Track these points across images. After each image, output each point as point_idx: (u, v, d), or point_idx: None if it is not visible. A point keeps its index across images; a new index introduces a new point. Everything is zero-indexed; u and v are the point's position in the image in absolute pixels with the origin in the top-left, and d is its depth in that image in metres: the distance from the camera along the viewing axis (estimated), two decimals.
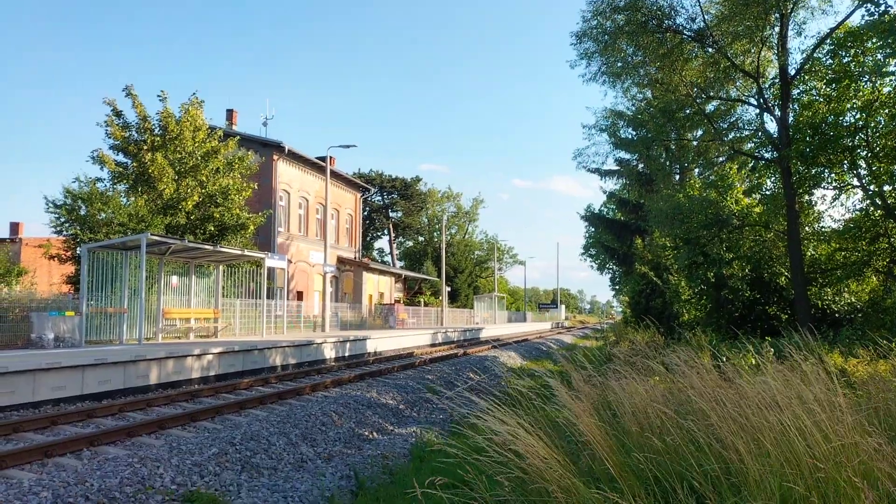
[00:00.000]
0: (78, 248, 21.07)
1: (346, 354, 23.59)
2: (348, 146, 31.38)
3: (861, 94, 15.71)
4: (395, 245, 75.81)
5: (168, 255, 21.15)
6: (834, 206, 25.55)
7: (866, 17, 13.96)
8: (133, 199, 24.53)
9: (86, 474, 7.18)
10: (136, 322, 19.24)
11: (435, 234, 77.54)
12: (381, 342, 26.93)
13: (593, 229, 50.66)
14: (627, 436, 5.32)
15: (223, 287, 24.27)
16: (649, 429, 5.20)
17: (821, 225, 19.95)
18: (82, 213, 22.29)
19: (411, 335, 31.66)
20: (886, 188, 16.01)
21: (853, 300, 19.07)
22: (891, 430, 4.69)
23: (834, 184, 17.86)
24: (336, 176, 43.74)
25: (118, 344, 18.51)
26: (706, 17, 18.51)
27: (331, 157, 35.67)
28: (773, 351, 9.09)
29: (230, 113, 41.52)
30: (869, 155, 16.03)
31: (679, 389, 6.07)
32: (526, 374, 18.90)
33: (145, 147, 24.78)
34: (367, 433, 11.67)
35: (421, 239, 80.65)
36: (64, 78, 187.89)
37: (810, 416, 4.30)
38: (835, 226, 19.14)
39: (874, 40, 13.93)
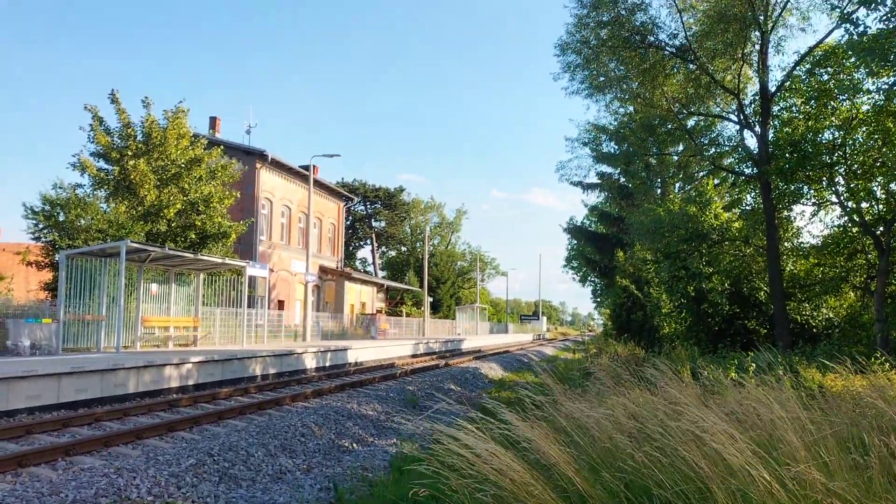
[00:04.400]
0: (56, 255, 20.80)
1: (327, 364, 23.47)
2: (332, 156, 31.72)
3: (839, 112, 15.96)
4: (377, 255, 75.68)
5: (148, 263, 20.96)
6: (813, 222, 25.81)
7: (845, 37, 14.20)
8: (113, 205, 24.30)
9: (60, 485, 7.07)
10: (115, 330, 19.01)
11: (417, 244, 77.47)
12: (362, 352, 26.82)
13: (575, 242, 50.91)
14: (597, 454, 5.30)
15: (203, 295, 24.07)
16: (612, 456, 5.18)
17: (800, 240, 20.20)
18: (60, 219, 22.02)
19: (393, 346, 31.56)
20: (864, 205, 16.25)
21: (831, 315, 19.31)
22: (861, 447, 4.73)
23: (813, 200, 18.11)
24: (319, 185, 43.63)
25: (96, 352, 18.29)
26: (687, 33, 18.74)
27: (314, 166, 35.58)
28: (755, 366, 9.15)
29: (213, 120, 41.32)
30: (847, 172, 16.28)
31: (654, 409, 6.05)
32: (506, 387, 18.92)
33: (129, 154, 24.55)
34: (347, 444, 11.59)
35: (403, 249, 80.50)
36: (43, 81, 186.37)
37: (781, 432, 4.33)
38: (813, 241, 19.38)
39: (852, 59, 14.17)
